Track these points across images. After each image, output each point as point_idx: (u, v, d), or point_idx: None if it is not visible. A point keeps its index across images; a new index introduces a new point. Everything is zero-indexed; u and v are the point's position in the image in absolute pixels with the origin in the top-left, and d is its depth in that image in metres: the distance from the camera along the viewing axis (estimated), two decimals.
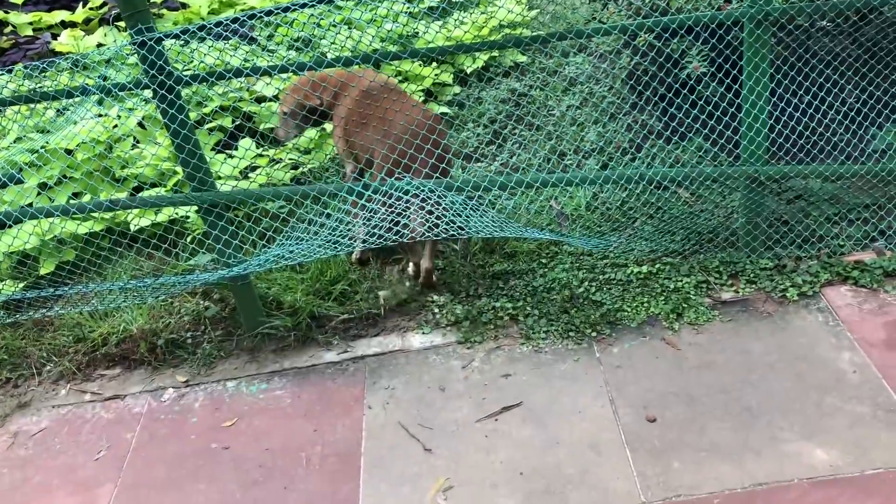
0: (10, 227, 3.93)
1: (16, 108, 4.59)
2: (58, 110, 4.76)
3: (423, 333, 3.34)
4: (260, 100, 4.87)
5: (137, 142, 4.57)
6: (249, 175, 4.23)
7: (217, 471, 2.88)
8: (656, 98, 3.95)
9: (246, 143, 4.32)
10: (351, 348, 3.34)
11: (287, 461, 2.87)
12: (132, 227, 3.89)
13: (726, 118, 3.17)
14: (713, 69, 3.45)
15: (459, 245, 3.69)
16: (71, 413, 3.24)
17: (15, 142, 4.58)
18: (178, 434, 3.07)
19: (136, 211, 3.93)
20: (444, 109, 4.69)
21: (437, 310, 3.41)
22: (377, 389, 3.11)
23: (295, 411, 3.08)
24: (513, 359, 3.12)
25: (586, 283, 3.35)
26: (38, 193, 4.30)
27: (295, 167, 4.34)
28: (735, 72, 3.31)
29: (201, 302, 3.60)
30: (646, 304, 3.23)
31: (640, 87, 4.04)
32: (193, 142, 3.03)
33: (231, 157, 4.31)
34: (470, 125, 4.53)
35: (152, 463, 2.96)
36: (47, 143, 4.43)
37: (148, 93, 4.64)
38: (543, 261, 3.52)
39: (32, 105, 4.23)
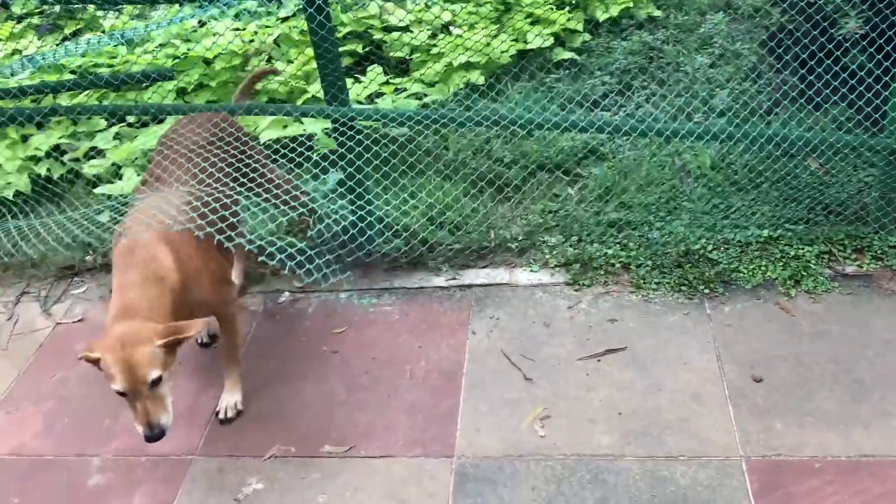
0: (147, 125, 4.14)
1: (163, 13, 4.79)
2: (200, 22, 4.95)
3: (532, 271, 3.38)
4: (389, 29, 4.94)
5: (270, 58, 4.72)
6: (375, 101, 4.32)
7: (325, 372, 3.02)
8: (796, 63, 3.81)
9: (375, 70, 4.41)
10: (459, 276, 3.42)
11: (391, 371, 2.98)
12: (262, 139, 4.05)
13: (878, 86, 3.04)
14: (868, 29, 3.30)
15: (574, 190, 3.70)
16: None
17: (159, 46, 4.80)
18: (291, 334, 3.23)
19: (266, 123, 4.08)
20: (571, 55, 4.65)
21: (547, 250, 3.44)
22: (482, 317, 3.18)
23: (402, 327, 3.19)
24: (621, 305, 3.13)
25: (703, 241, 3.31)
26: (176, 97, 4.52)
27: (419, 98, 4.40)
28: (892, 33, 3.16)
29: (322, 221, 3.73)
30: (763, 268, 3.17)
31: (780, 50, 3.90)
32: (336, 56, 3.11)
33: (359, 81, 4.40)
34: (597, 73, 4.48)
35: (265, 357, 3.13)
36: (189, 50, 4.63)
37: (284, 11, 4.77)
38: (661, 214, 3.49)
39: (179, 11, 4.42)
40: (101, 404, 3.00)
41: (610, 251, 3.35)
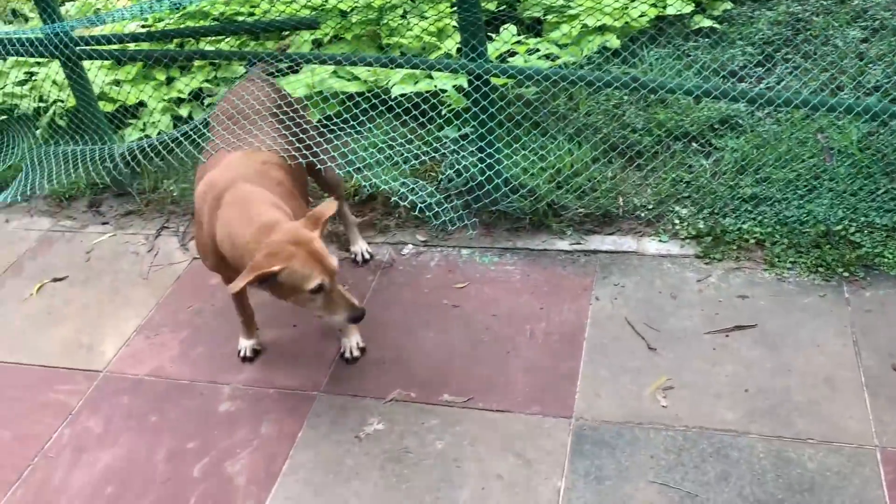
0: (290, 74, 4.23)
1: None
2: None
3: (660, 241, 3.31)
4: None
5: (405, 14, 4.75)
6: (507, 60, 4.29)
7: (446, 324, 3.07)
8: None
9: (509, 29, 4.37)
10: (584, 241, 3.39)
11: (512, 330, 3.00)
12: (393, 93, 4.09)
13: None
14: None
15: (709, 161, 3.59)
16: None
17: None
18: (414, 285, 3.29)
19: (398, 77, 4.12)
20: (711, 23, 4.48)
21: (677, 221, 3.36)
22: (606, 284, 3.15)
23: (523, 287, 3.20)
24: (752, 282, 3.04)
25: (846, 223, 3.16)
26: (311, 49, 4.61)
27: (551, 59, 4.34)
28: None
29: (447, 171, 3.76)
30: None
31: None
32: (477, 9, 3.10)
33: (491, 39, 4.38)
34: (739, 42, 4.31)
35: (389, 305, 3.20)
36: (326, 1, 4.71)
37: None
38: (801, 191, 3.34)
39: None
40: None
41: (744, 226, 3.24)
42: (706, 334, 2.85)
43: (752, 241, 3.19)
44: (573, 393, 2.70)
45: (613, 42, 4.32)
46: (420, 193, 3.27)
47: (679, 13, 4.51)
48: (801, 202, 3.31)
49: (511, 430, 2.61)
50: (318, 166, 3.00)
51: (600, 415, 2.61)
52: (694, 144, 3.71)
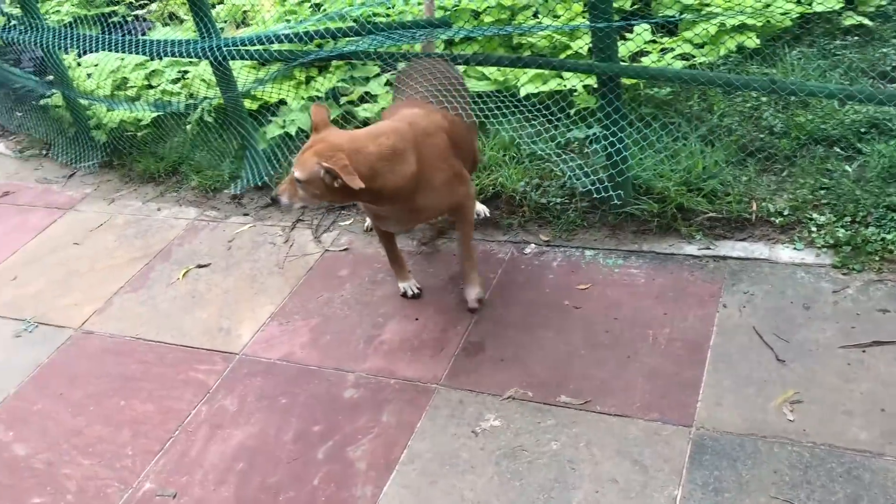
0: None
1: None
2: None
3: (795, 249, 3.17)
4: None
5: (537, 13, 4.76)
6: (639, 60, 4.22)
7: (565, 325, 3.07)
8: None
9: (642, 27, 4.30)
10: (713, 246, 3.29)
11: (633, 334, 2.96)
12: (522, 93, 4.11)
13: None
14: None
15: (852, 167, 3.40)
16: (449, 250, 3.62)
17: None
18: (535, 285, 3.30)
19: (526, 77, 4.14)
20: (863, 21, 4.23)
21: (814, 228, 3.21)
22: (735, 291, 3.05)
23: (647, 291, 3.15)
24: (895, 296, 2.86)
25: None
26: (443, 49, 4.69)
27: (685, 59, 4.24)
28: None
29: (575, 171, 3.74)
30: None
31: None
32: (609, 10, 3.08)
33: (624, 39, 4.32)
34: (893, 41, 4.05)
35: (508, 304, 3.23)
36: (458, 2, 4.79)
37: None
38: None
39: None
40: (358, 326, 3.27)
41: (888, 236, 3.05)
42: (840, 348, 2.71)
43: None
44: (695, 401, 2.64)
45: (752, 42, 4.16)
46: (570, 165, 3.26)
47: (827, 11, 4.29)
48: None
49: (628, 435, 2.58)
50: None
51: (722, 425, 2.54)
52: (836, 149, 3.53)
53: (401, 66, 4.61)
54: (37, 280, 4.02)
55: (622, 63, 4.08)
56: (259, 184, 4.29)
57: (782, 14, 4.29)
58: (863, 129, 3.57)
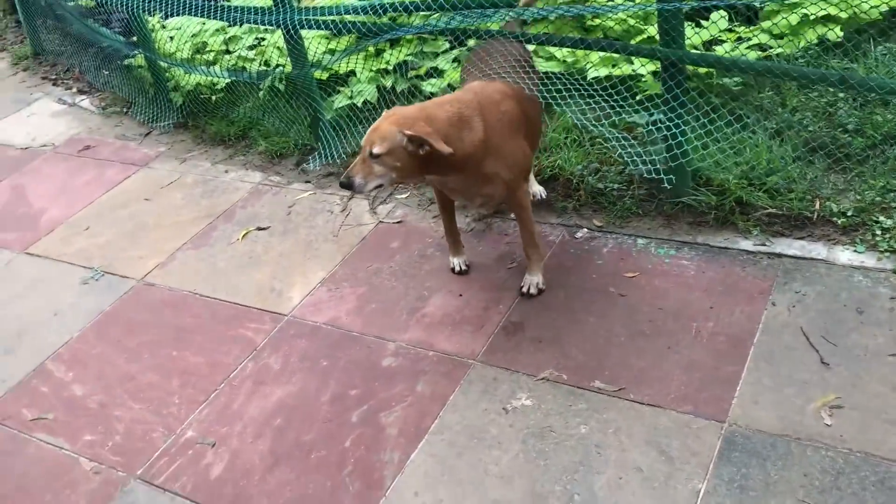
0: None
1: None
2: None
3: (855, 251, 3.07)
4: None
5: None
6: (713, 48, 4.11)
7: (609, 311, 3.04)
8: None
9: (719, 14, 4.18)
10: (769, 243, 3.21)
11: (676, 326, 2.92)
12: (588, 76, 4.06)
13: None
14: None
15: None
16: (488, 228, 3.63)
17: None
18: (582, 269, 3.29)
19: (595, 60, 4.08)
20: None
21: (879, 231, 3.09)
22: (786, 290, 2.97)
23: (696, 284, 3.09)
24: None
25: None
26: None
27: (762, 49, 4.10)
28: None
29: (633, 157, 3.69)
30: None
31: None
32: None
33: (700, 25, 4.21)
34: None
35: (553, 286, 3.22)
36: None
37: None
38: None
39: None
40: (402, 297, 3.31)
41: None
42: (890, 356, 2.62)
43: None
44: (730, 398, 2.60)
45: (833, 34, 4.00)
46: (629, 151, 3.22)
47: None
48: None
49: (658, 425, 2.56)
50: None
51: (756, 423, 2.49)
52: None
53: (471, 42, 4.63)
54: (107, 231, 4.21)
55: (691, 50, 3.99)
56: (333, 161, 4.36)
57: (871, 6, 4.11)
58: None
